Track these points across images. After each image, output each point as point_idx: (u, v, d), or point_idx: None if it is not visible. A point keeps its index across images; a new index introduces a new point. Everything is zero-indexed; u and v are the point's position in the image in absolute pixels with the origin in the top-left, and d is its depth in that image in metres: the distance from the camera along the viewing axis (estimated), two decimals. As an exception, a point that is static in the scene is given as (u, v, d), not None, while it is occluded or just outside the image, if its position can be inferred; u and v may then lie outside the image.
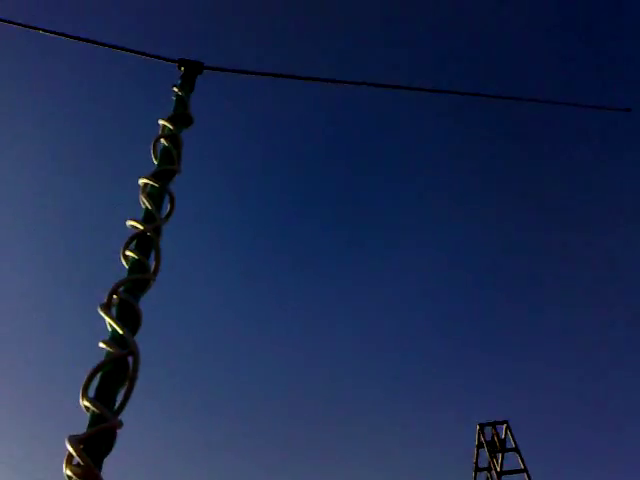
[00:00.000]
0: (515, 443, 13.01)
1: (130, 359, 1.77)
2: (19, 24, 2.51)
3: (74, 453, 1.59)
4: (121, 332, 1.81)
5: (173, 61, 2.47)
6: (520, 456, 12.81)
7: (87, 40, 2.45)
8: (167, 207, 2.15)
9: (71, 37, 2.42)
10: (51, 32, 2.36)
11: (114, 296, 1.89)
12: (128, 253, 2.00)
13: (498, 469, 12.74)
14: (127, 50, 2.47)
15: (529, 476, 12.32)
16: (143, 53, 2.49)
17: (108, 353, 1.78)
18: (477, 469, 13.07)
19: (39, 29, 2.37)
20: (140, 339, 1.88)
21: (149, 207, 2.09)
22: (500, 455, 13.10)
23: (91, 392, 1.75)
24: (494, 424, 13.37)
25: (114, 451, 1.68)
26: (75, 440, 1.60)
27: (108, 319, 1.85)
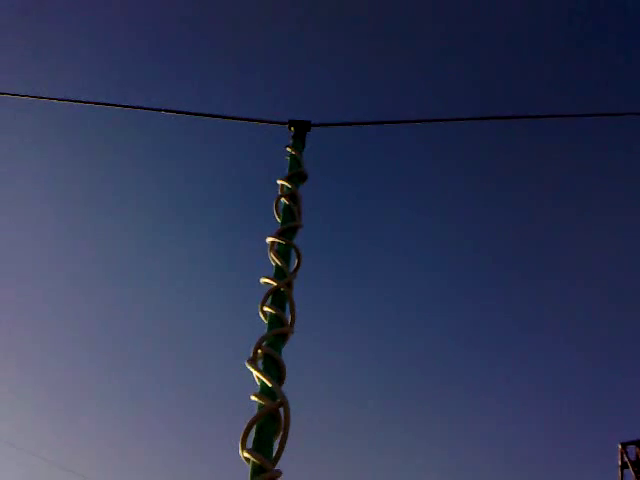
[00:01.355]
0: (664, 461, 12.04)
1: (281, 410, 1.89)
2: (147, 108, 2.79)
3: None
4: (270, 385, 1.93)
5: (283, 123, 2.63)
6: (672, 475, 11.82)
7: (206, 115, 2.68)
8: (294, 261, 2.28)
9: (193, 114, 2.66)
10: (178, 112, 2.61)
11: (259, 350, 2.03)
12: (266, 309, 2.14)
13: (648, 491, 11.83)
14: (241, 119, 2.67)
15: (685, 497, 11.35)
16: (255, 119, 2.68)
17: (260, 406, 1.91)
18: (624, 492, 12.20)
19: (172, 111, 2.63)
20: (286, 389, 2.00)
21: (279, 263, 2.23)
22: (648, 475, 12.15)
23: (248, 444, 1.88)
24: (638, 442, 12.47)
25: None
26: (243, 490, 1.73)
27: (256, 372, 1.98)
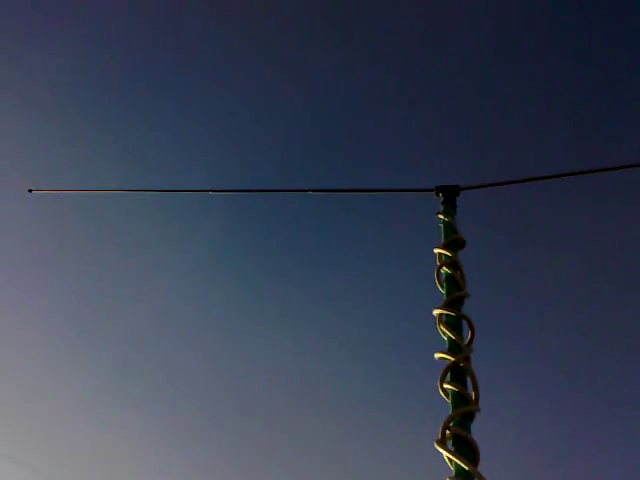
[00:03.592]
0: None
1: (483, 495, 1.81)
2: (270, 190, 2.88)
3: None
4: (466, 467, 1.87)
5: (431, 190, 2.63)
6: None
7: (353, 190, 2.73)
8: (468, 333, 2.23)
9: (338, 191, 2.72)
10: (324, 191, 2.68)
11: (447, 431, 1.97)
12: (446, 386, 2.09)
13: None
14: (387, 190, 2.70)
15: None
16: (401, 189, 2.70)
17: (460, 491, 1.84)
18: None
19: (319, 190, 2.71)
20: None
21: (452, 337, 2.18)
22: None
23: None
24: None
25: None
26: None
27: (447, 454, 1.92)
